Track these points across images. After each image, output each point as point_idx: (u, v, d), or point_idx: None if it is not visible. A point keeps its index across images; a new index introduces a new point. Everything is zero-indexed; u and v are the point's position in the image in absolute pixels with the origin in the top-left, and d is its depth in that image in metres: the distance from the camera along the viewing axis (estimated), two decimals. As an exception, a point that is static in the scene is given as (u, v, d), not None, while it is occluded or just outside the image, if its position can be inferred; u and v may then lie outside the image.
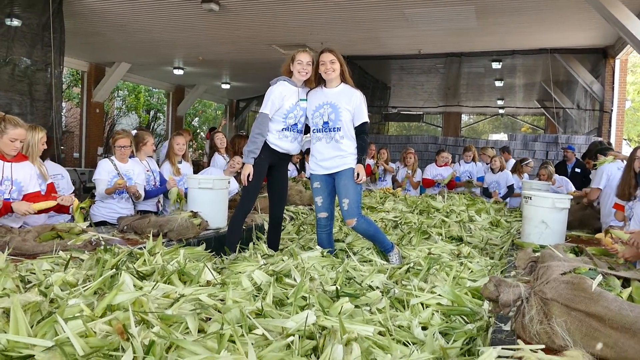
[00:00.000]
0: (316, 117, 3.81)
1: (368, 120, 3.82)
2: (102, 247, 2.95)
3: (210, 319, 2.00)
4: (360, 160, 3.76)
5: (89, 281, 2.27)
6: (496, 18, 8.65)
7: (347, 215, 3.74)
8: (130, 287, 2.10)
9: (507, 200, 7.29)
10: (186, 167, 5.32)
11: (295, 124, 3.86)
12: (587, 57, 10.73)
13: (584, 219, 4.76)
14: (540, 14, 8.39)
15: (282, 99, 3.77)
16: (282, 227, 4.44)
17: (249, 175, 3.74)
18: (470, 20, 8.78)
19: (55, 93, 8.25)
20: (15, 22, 7.61)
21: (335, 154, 3.76)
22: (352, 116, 3.76)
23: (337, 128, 3.74)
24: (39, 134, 3.85)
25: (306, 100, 3.88)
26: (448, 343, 2.11)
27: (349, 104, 3.74)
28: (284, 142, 3.85)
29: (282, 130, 3.82)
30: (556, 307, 1.80)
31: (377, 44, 10.74)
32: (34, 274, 2.45)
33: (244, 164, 3.80)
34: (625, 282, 2.07)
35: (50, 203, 3.63)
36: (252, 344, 1.72)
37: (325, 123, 3.77)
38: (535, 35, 9.63)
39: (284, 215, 4.36)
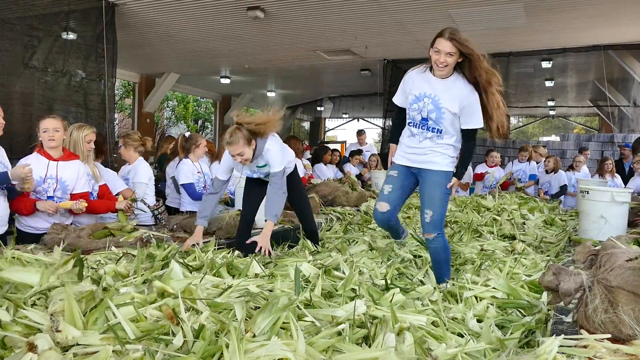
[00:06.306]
0: (413, 110, 3.11)
1: (481, 126, 3.09)
2: (153, 243, 3.00)
3: (258, 307, 1.98)
4: (457, 174, 3.13)
5: (141, 274, 2.29)
6: (546, 15, 8.38)
7: (427, 228, 3.11)
8: (179, 275, 2.11)
9: (562, 198, 7.03)
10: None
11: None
12: (643, 53, 10.27)
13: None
14: (593, 9, 8.08)
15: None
16: (320, 230, 4.36)
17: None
18: (519, 18, 8.54)
19: (108, 104, 8.52)
20: (71, 36, 7.89)
21: (428, 146, 3.10)
22: (459, 118, 3.06)
23: (439, 130, 3.06)
24: (84, 132, 3.82)
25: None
26: (505, 335, 2.02)
27: (455, 104, 3.01)
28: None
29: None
30: (622, 295, 1.69)
31: (422, 47, 10.58)
32: (88, 268, 2.50)
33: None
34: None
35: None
36: (302, 329, 1.69)
37: (424, 120, 3.08)
38: (588, 31, 9.28)
39: (331, 216, 4.31)
